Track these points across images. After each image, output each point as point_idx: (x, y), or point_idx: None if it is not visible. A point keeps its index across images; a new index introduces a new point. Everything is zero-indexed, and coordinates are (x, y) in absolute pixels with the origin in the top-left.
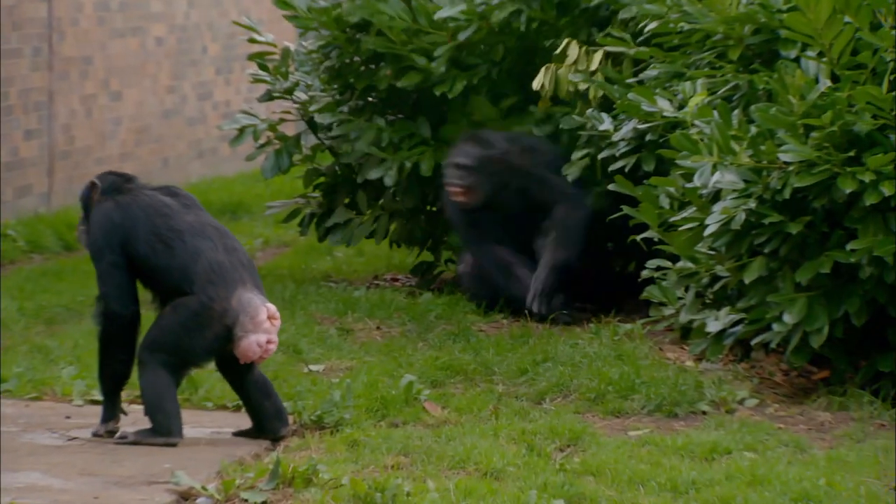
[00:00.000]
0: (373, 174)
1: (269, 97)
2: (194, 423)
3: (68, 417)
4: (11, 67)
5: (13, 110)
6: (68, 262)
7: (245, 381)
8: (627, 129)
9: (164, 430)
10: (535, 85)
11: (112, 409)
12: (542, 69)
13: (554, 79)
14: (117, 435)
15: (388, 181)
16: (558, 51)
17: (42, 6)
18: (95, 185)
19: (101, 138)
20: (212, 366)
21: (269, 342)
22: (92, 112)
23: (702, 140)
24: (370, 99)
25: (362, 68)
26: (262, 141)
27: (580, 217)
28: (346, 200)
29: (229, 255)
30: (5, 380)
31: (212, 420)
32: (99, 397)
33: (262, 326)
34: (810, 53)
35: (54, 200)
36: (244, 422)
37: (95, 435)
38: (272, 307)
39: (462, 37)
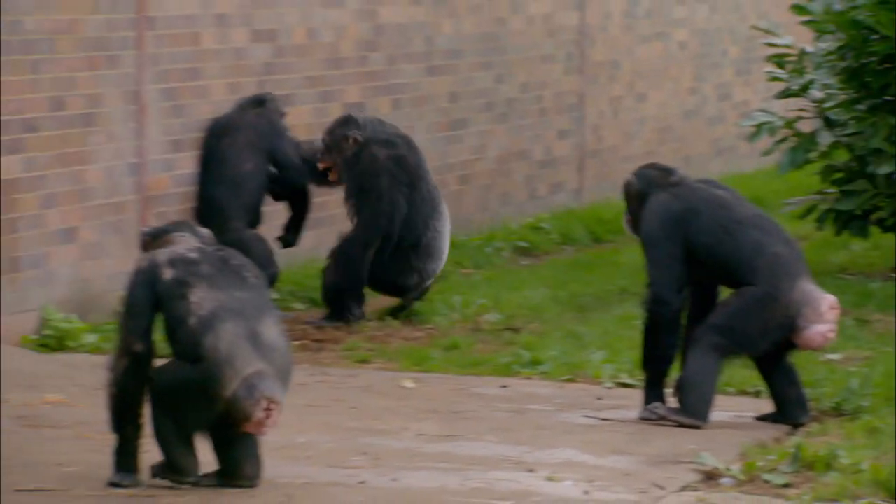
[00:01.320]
0: (883, 169)
1: (784, 94)
2: (716, 407)
3: (599, 399)
4: (546, 72)
5: (547, 112)
6: (597, 253)
7: (774, 368)
8: None
9: (693, 411)
10: None
11: (657, 393)
12: None
13: None
14: (643, 411)
15: None
16: None
17: (575, 14)
18: (663, 174)
19: (627, 138)
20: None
21: (830, 332)
22: (619, 113)
23: None
24: (886, 98)
25: (877, 68)
26: (778, 137)
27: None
28: (862, 196)
29: (788, 246)
30: (541, 362)
31: (733, 404)
32: (628, 381)
33: (824, 317)
34: None
35: (584, 196)
36: (763, 407)
37: (643, 418)
38: (832, 297)
39: None
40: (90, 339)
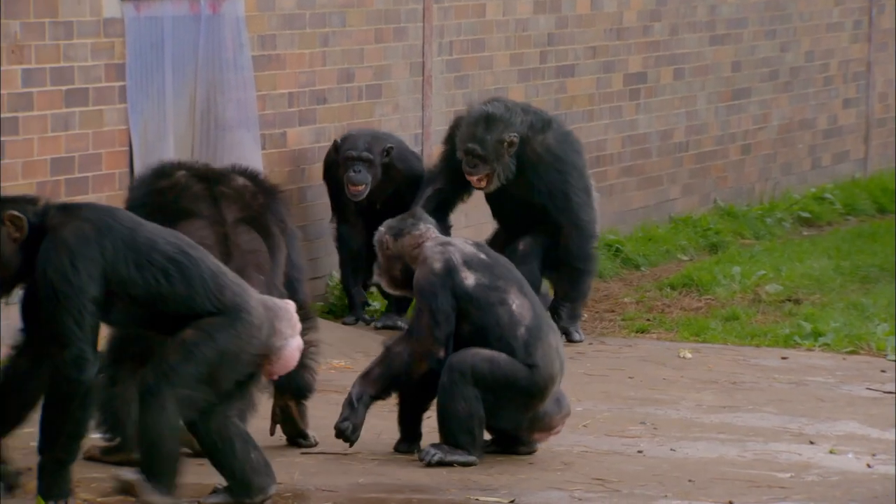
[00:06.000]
0: None
1: None
2: None
3: (883, 371)
4: (832, 40)
5: (833, 80)
6: (882, 223)
7: None
8: None
9: None
10: None
11: None
12: None
13: None
14: None
15: None
16: None
17: None
18: None
19: None
20: None
21: None
22: None
23: None
24: None
25: None
26: None
27: None
28: None
29: None
30: (823, 334)
31: None
32: None
33: None
34: None
35: (870, 166)
36: None
37: None
38: None
39: None
40: (375, 305)
